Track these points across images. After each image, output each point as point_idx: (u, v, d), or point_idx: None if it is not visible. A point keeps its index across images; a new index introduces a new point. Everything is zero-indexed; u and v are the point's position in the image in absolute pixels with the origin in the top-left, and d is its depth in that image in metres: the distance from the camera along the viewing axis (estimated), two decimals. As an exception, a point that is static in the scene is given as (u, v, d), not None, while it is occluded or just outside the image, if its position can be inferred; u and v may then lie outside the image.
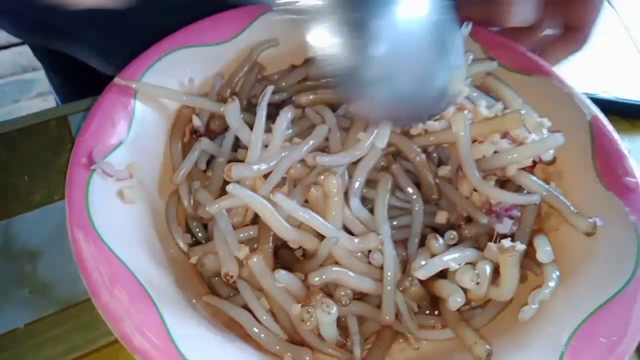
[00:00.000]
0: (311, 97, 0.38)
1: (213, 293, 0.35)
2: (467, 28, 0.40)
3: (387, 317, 0.32)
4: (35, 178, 0.44)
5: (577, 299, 0.31)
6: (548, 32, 0.46)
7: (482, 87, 0.42)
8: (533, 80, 0.42)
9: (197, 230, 0.37)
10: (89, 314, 0.36)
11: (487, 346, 0.30)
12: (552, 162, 0.39)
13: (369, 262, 0.33)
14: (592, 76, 0.40)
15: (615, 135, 0.38)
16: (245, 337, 0.32)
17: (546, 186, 0.36)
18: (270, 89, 0.35)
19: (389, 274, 0.33)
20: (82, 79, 0.58)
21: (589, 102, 0.40)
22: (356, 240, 0.33)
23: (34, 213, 0.42)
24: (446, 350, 0.34)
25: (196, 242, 0.37)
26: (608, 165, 0.36)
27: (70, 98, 0.61)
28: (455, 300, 0.31)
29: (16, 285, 0.38)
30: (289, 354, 0.31)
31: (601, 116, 0.39)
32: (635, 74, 0.60)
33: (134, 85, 0.36)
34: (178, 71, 0.40)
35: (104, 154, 0.32)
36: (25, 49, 0.69)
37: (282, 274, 0.31)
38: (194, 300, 0.32)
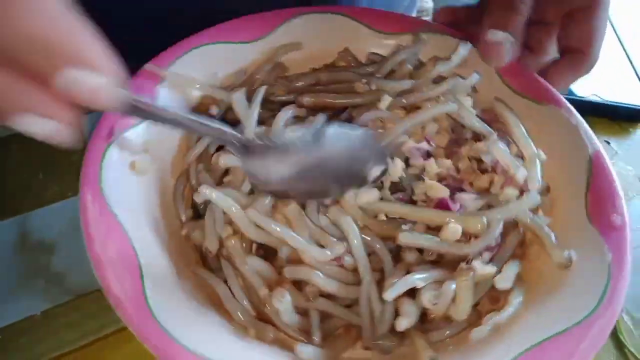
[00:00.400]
0: (312, 99, 0.41)
1: (204, 264, 0.38)
2: (466, 47, 0.41)
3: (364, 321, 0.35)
4: (49, 176, 0.47)
5: (533, 326, 0.32)
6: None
7: (490, 111, 0.43)
8: (543, 108, 0.42)
9: (202, 207, 0.40)
10: (100, 303, 0.38)
11: (432, 353, 0.32)
12: (547, 191, 0.39)
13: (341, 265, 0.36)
14: (582, 80, 0.41)
15: (613, 172, 0.38)
16: (220, 310, 0.35)
17: (531, 215, 0.37)
18: (263, 88, 0.39)
19: (366, 280, 0.35)
20: None
21: (593, 136, 0.40)
22: (326, 251, 0.35)
23: (48, 209, 0.44)
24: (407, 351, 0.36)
25: (199, 218, 0.40)
26: (599, 201, 0.37)
27: None
28: (400, 323, 0.33)
29: (33, 275, 0.41)
30: (254, 328, 0.34)
31: (603, 152, 0.39)
32: (624, 78, 0.61)
33: (161, 72, 0.41)
34: (205, 64, 0.44)
35: (123, 129, 0.37)
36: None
37: (253, 259, 0.34)
38: (181, 267, 0.35)
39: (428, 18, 0.78)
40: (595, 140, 0.40)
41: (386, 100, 0.41)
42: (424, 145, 0.41)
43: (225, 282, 0.36)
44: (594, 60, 0.42)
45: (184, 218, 0.39)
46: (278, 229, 0.34)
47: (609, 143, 0.55)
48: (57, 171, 0.47)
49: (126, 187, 0.36)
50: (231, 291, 0.35)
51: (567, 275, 0.35)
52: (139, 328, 0.29)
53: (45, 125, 0.23)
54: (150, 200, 0.37)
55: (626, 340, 0.40)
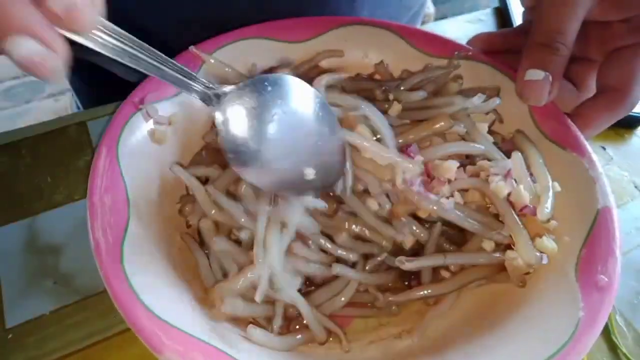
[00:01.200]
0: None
1: (199, 237, 0.41)
2: (495, 101, 0.43)
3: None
4: (57, 179, 0.48)
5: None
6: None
7: (509, 142, 0.43)
8: (565, 155, 0.41)
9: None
10: (107, 303, 0.37)
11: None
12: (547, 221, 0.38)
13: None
14: None
15: (616, 232, 0.36)
16: (194, 281, 0.37)
17: (512, 213, 0.37)
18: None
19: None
20: (106, 86, 0.62)
21: (608, 192, 0.38)
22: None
23: (57, 211, 0.46)
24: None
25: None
26: (592, 258, 0.35)
27: (89, 101, 0.68)
28: None
29: (42, 276, 0.42)
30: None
31: (613, 210, 0.37)
32: None
33: (204, 56, 0.45)
34: (247, 56, 0.47)
35: (154, 99, 0.41)
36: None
37: (221, 240, 0.37)
38: (172, 234, 0.39)
39: (430, 23, 0.77)
40: (608, 196, 0.37)
41: (395, 107, 0.42)
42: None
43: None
44: (633, 101, 0.40)
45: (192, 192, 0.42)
46: (232, 207, 0.36)
47: (604, 149, 0.56)
48: (65, 175, 0.49)
49: (141, 152, 0.39)
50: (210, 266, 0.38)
51: (535, 318, 0.34)
52: (106, 272, 0.31)
53: (36, 48, 0.24)
54: (161, 170, 0.41)
55: (619, 342, 0.40)
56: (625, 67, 0.41)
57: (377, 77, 0.49)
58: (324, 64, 0.49)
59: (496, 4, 0.77)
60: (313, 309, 0.37)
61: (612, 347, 0.40)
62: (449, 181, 0.38)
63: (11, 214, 0.45)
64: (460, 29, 0.71)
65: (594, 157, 0.40)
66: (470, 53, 0.46)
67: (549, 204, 0.37)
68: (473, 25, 0.72)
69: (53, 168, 0.49)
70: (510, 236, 0.37)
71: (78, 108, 0.76)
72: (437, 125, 0.39)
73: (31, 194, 0.47)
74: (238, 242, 0.38)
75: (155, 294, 0.32)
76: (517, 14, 0.72)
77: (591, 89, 0.44)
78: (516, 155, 0.38)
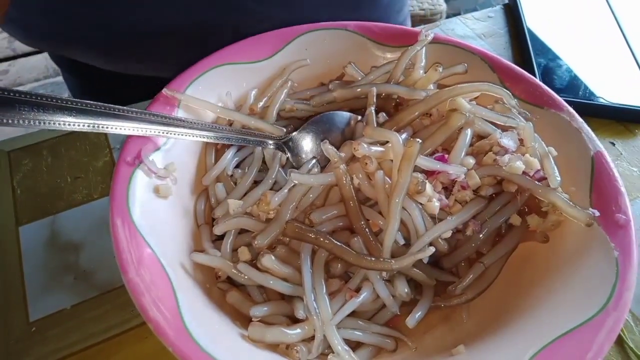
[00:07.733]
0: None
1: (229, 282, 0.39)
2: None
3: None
4: (76, 179, 0.49)
5: (547, 322, 0.33)
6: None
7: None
8: (544, 112, 0.43)
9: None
10: (125, 297, 0.38)
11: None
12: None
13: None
14: (590, 82, 0.42)
15: (615, 172, 0.39)
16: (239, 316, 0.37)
17: (541, 185, 0.38)
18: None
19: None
20: (99, 81, 0.64)
21: (594, 138, 0.41)
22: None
23: (76, 210, 0.47)
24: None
25: (218, 237, 0.41)
26: (603, 200, 0.38)
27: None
28: None
29: (63, 272, 0.43)
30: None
31: (604, 152, 0.40)
32: (631, 80, 0.61)
33: (178, 96, 0.42)
34: (219, 85, 0.45)
35: (148, 153, 0.38)
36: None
37: (257, 308, 0.36)
38: (207, 285, 0.37)
39: (442, 21, 0.76)
40: (596, 141, 0.40)
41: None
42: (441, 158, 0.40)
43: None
44: None
45: (205, 238, 0.40)
46: (262, 278, 0.36)
47: (614, 144, 0.55)
48: (84, 175, 0.50)
49: (153, 211, 0.36)
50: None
51: (575, 271, 0.35)
52: (180, 351, 0.29)
53: None
54: (175, 222, 0.39)
55: (626, 336, 0.41)
56: None
57: (346, 78, 0.49)
58: (293, 76, 0.48)
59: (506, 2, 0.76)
60: (370, 325, 0.37)
61: (619, 341, 0.40)
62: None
63: (34, 213, 0.47)
64: (470, 26, 0.71)
65: (571, 109, 0.43)
66: (430, 37, 0.47)
67: (556, 171, 0.38)
68: (482, 22, 0.72)
69: (72, 169, 0.51)
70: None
71: None
72: (457, 125, 0.39)
73: (52, 193, 0.49)
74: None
75: (231, 351, 0.31)
76: (527, 11, 0.70)
77: None
78: (527, 126, 0.40)
